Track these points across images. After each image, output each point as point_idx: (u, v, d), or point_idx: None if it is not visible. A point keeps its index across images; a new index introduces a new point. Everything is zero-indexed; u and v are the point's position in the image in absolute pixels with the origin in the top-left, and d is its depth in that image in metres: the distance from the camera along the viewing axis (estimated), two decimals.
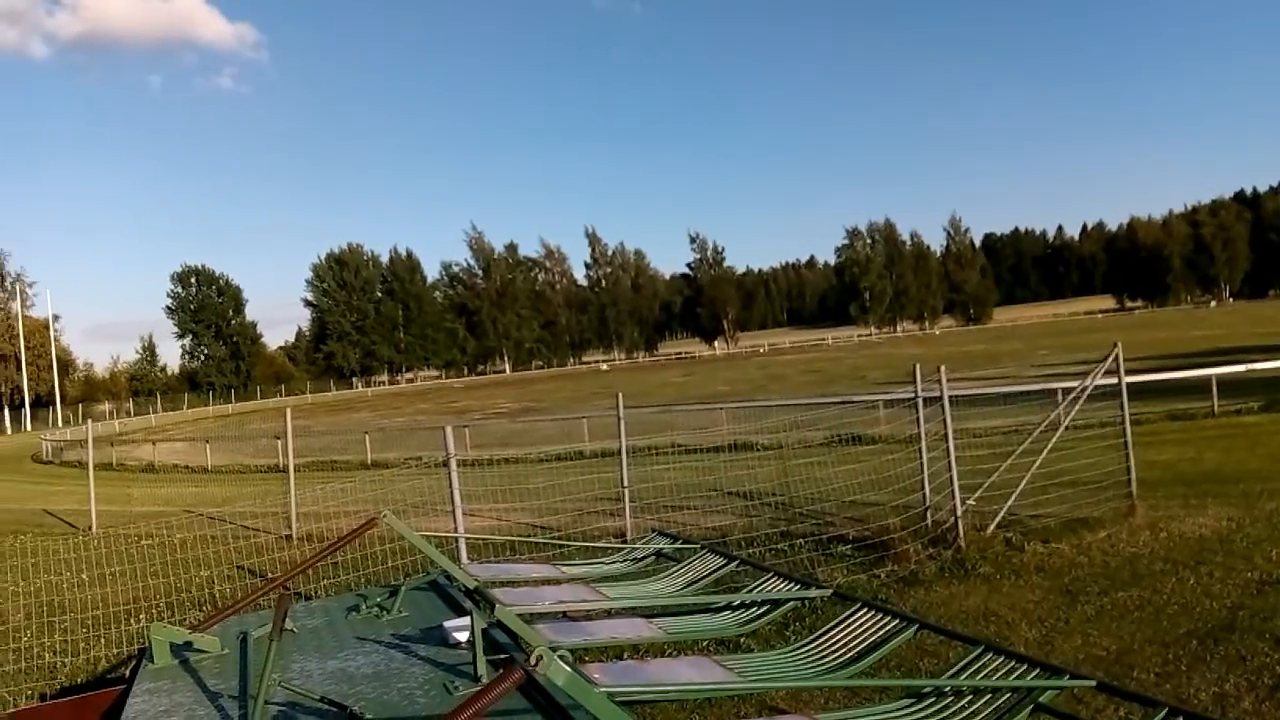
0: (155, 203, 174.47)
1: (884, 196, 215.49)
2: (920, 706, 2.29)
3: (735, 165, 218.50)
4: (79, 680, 5.64)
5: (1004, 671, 2.42)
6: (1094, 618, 5.70)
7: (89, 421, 19.92)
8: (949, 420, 7.83)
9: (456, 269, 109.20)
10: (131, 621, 6.77)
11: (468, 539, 6.90)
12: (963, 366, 26.92)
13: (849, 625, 2.88)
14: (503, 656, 2.41)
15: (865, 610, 2.90)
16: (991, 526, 7.52)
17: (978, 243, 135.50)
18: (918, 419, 7.90)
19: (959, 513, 7.42)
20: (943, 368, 7.87)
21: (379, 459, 18.95)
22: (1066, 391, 10.44)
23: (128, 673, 4.32)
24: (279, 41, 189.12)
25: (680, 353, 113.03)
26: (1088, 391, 8.37)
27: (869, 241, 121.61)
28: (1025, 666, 2.36)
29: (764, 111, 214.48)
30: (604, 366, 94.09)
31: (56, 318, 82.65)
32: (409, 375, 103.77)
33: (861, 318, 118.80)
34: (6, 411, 69.97)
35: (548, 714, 2.02)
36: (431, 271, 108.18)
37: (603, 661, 3.15)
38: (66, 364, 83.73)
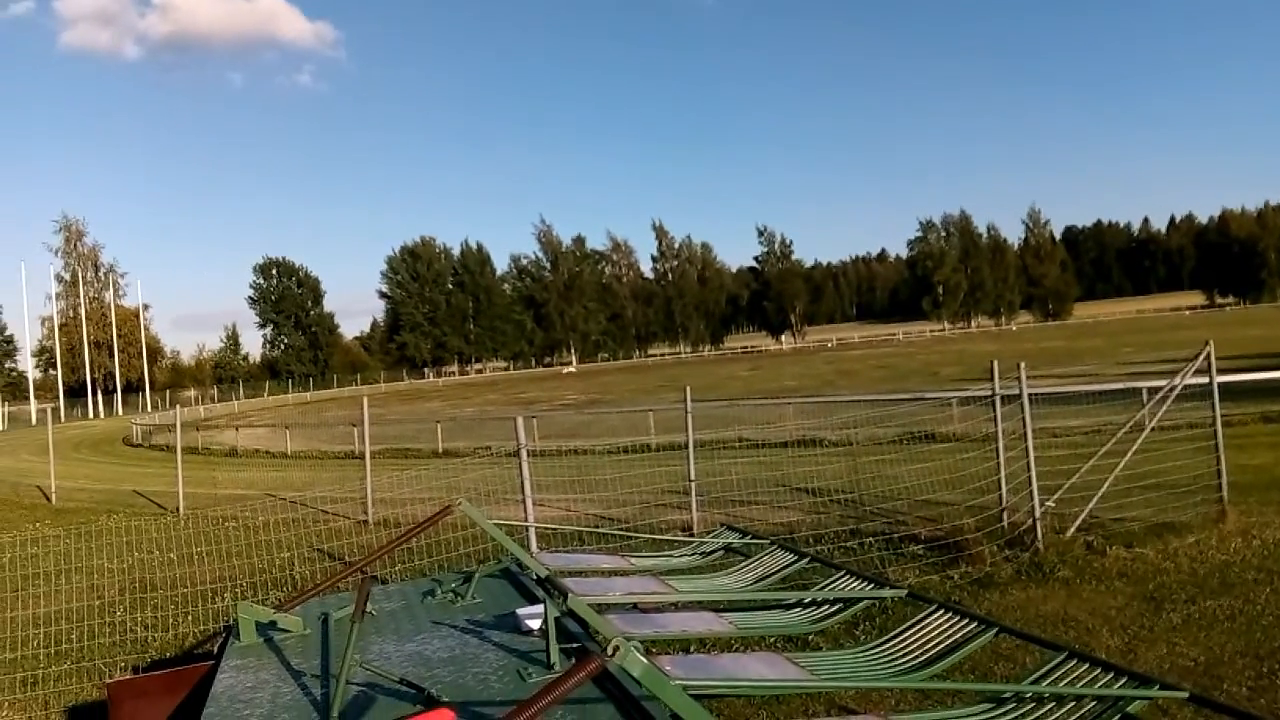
0: (239, 197, 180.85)
1: (959, 188, 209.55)
2: (999, 712, 2.23)
3: (805, 158, 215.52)
4: (168, 654, 5.91)
5: (1088, 679, 2.34)
6: (1180, 626, 5.47)
7: (177, 407, 20.82)
8: (1028, 419, 7.59)
9: (525, 262, 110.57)
10: (216, 600, 7.06)
11: (537, 529, 6.98)
12: (1041, 364, 26.06)
13: (923, 627, 2.82)
14: (574, 645, 2.43)
15: (941, 612, 2.84)
16: (1071, 529, 7.27)
17: (1058, 235, 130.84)
18: (995, 417, 7.68)
19: (1037, 514, 7.20)
20: (1022, 364, 7.64)
21: (450, 447, 19.31)
22: (1153, 391, 10.01)
23: (215, 649, 4.51)
24: (355, 39, 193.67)
25: (746, 346, 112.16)
26: (1176, 391, 8.01)
27: (943, 234, 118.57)
28: (1111, 675, 2.28)
29: (834, 103, 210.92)
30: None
31: (146, 307, 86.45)
32: (478, 366, 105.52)
33: (934, 312, 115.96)
34: (100, 396, 73.55)
35: (620, 704, 2.03)
36: (501, 264, 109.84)
37: (673, 654, 3.17)
38: (155, 352, 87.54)
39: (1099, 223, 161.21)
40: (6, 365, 72.39)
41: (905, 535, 7.56)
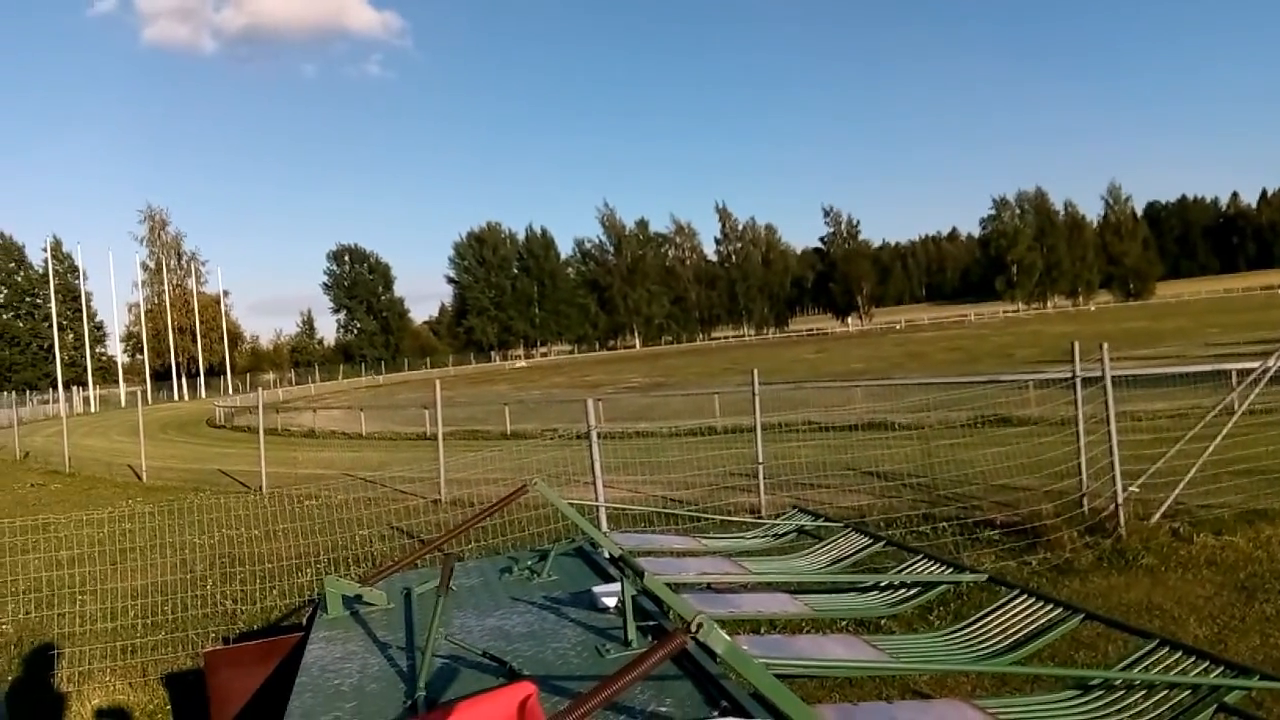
0: (312, 185, 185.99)
1: (1035, 164, 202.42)
2: (1085, 699, 2.18)
3: (872, 135, 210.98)
4: (255, 626, 6.16)
5: (1180, 668, 2.27)
6: (1274, 618, 5.25)
7: (259, 390, 21.58)
8: (1110, 402, 7.34)
9: (589, 245, 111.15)
10: (298, 575, 7.32)
11: (608, 509, 7.05)
12: (1122, 345, 25.12)
13: (1004, 612, 2.76)
14: (650, 624, 2.46)
15: (1023, 597, 2.78)
16: (1156, 516, 7.03)
17: (1139, 212, 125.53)
18: (1075, 400, 7.45)
19: (1120, 500, 6.98)
20: (1105, 346, 7.38)
21: (518, 429, 19.61)
22: (1243, 373, 9.59)
23: (299, 620, 4.67)
24: (422, 28, 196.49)
25: (812, 329, 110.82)
26: (1270, 373, 7.65)
27: (1018, 211, 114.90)
28: (1206, 664, 2.20)
29: (902, 77, 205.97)
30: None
31: (226, 293, 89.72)
32: (543, 349, 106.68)
33: (1008, 293, 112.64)
34: (184, 380, 76.68)
35: (698, 682, 2.04)
36: (565, 248, 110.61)
37: (747, 634, 3.17)
38: (235, 336, 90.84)
39: (1184, 198, 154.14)
40: (97, 350, 75.90)
41: (980, 520, 7.41)
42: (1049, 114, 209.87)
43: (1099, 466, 7.40)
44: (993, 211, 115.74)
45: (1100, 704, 2.09)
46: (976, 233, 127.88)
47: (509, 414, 21.12)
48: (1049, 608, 2.66)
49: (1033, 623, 2.65)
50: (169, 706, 5.11)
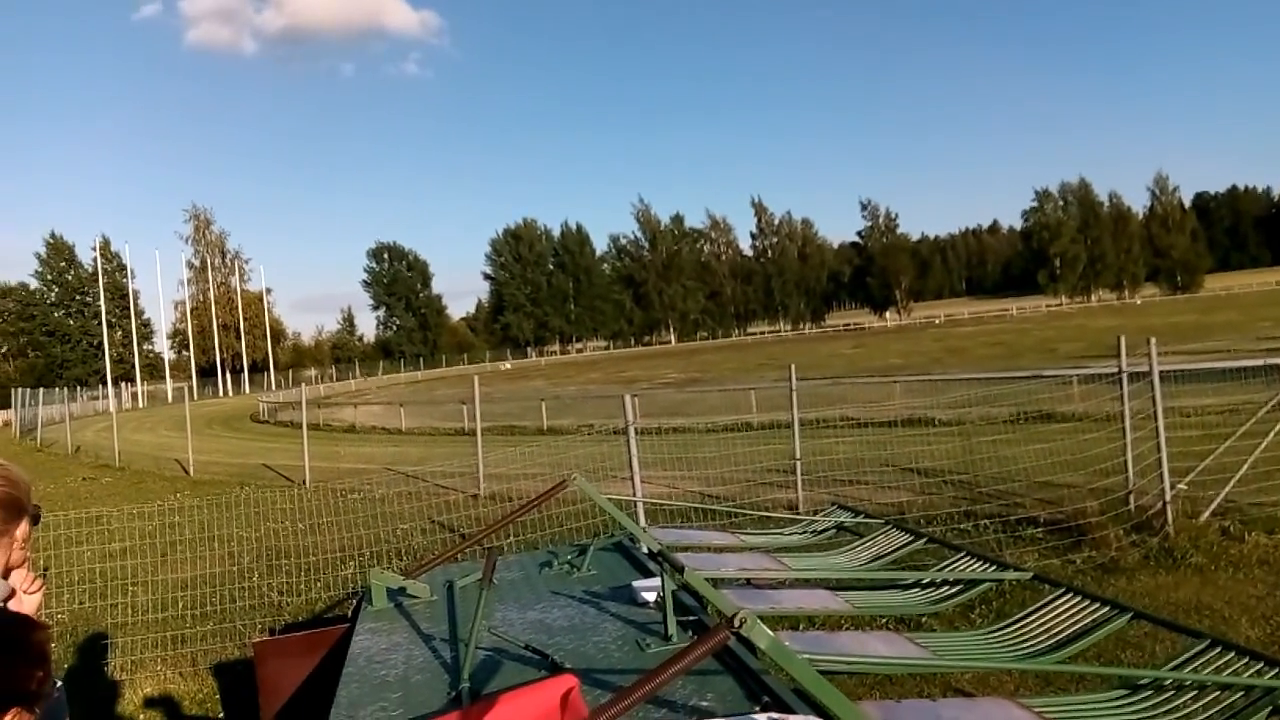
0: (352, 184, 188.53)
1: (1078, 155, 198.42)
2: (1133, 699, 2.15)
3: (911, 127, 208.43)
4: (300, 618, 6.28)
5: (1232, 669, 2.22)
6: None
7: (303, 386, 21.95)
8: (1158, 397, 7.18)
9: (624, 241, 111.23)
10: (342, 568, 7.45)
11: (645, 504, 7.07)
12: (1170, 339, 24.53)
13: (1049, 611, 2.73)
14: (691, 619, 2.46)
15: (1068, 596, 2.74)
16: (1205, 514, 6.87)
17: (1187, 203, 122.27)
18: (1121, 395, 7.30)
19: (1168, 497, 6.83)
20: (1152, 340, 7.23)
21: (554, 425, 19.72)
22: None
23: (343, 612, 4.75)
24: (459, 26, 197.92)
25: (849, 324, 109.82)
26: None
27: (1060, 203, 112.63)
28: (1260, 665, 2.15)
29: (940, 67, 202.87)
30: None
31: (269, 291, 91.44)
32: (578, 345, 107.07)
33: (1051, 286, 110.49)
34: (229, 376, 78.23)
35: (739, 677, 2.05)
36: (600, 244, 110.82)
37: (787, 630, 3.17)
38: (278, 333, 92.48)
39: (1234, 188, 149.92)
40: (145, 347, 77.73)
41: (1023, 518, 7.30)
42: (1093, 103, 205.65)
43: (1146, 463, 7.25)
44: (1035, 203, 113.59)
45: (1149, 704, 2.05)
46: (1018, 225, 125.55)
47: (545, 410, 21.24)
48: (1095, 606, 2.62)
49: (1078, 622, 2.61)
50: (218, 695, 5.24)
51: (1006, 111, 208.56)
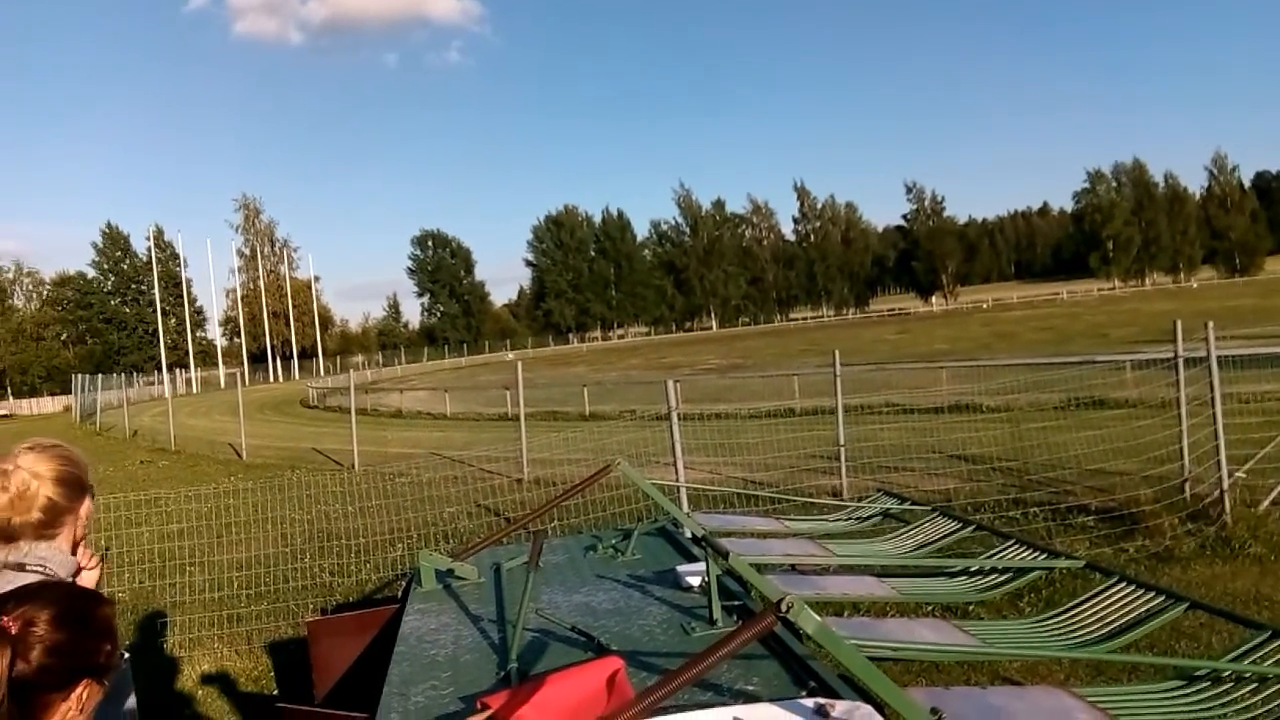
0: (396, 172, 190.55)
1: (1132, 135, 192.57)
2: (1190, 690, 2.10)
3: (957, 107, 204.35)
4: (350, 598, 6.42)
5: None
6: None
7: (351, 373, 22.34)
8: (1216, 383, 6.99)
9: (665, 227, 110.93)
10: (390, 550, 7.59)
11: (688, 489, 7.08)
12: (1228, 323, 23.79)
13: (1101, 600, 2.68)
14: (735, 603, 2.47)
15: (1122, 584, 2.69)
16: (1265, 503, 6.67)
17: (1247, 183, 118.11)
18: (1178, 381, 7.11)
19: (1225, 485, 6.65)
20: (1209, 324, 7.02)
21: (596, 410, 19.81)
22: None
23: (392, 593, 4.84)
24: (499, 14, 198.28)
25: (893, 309, 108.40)
26: None
27: (1114, 184, 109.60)
28: None
29: (986, 44, 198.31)
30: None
31: (317, 279, 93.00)
32: (620, 331, 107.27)
33: (1103, 270, 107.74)
34: (279, 362, 79.90)
35: (784, 662, 2.05)
36: (641, 230, 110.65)
37: (831, 616, 3.16)
38: (326, 320, 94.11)
39: None
40: (197, 334, 79.69)
41: (1073, 506, 7.16)
42: (1148, 81, 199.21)
43: (1202, 451, 7.07)
44: (1087, 185, 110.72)
45: (1206, 695, 2.01)
46: (1069, 207, 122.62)
47: (587, 395, 21.34)
48: (1150, 595, 2.57)
49: (1132, 611, 2.56)
50: (272, 673, 5.38)
51: (1057, 90, 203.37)
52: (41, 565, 1.84)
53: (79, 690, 1.26)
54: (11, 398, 70.41)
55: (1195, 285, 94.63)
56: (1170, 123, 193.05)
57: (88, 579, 1.99)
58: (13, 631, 1.19)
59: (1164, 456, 7.35)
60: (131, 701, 1.97)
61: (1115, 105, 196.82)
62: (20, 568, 1.80)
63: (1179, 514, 6.70)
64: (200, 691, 5.21)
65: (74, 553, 1.95)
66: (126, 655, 1.62)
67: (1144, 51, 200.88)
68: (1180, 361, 7.19)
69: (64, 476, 1.91)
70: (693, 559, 2.98)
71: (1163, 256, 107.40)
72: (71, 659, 1.25)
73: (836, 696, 1.76)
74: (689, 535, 3.30)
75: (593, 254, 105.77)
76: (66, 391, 53.34)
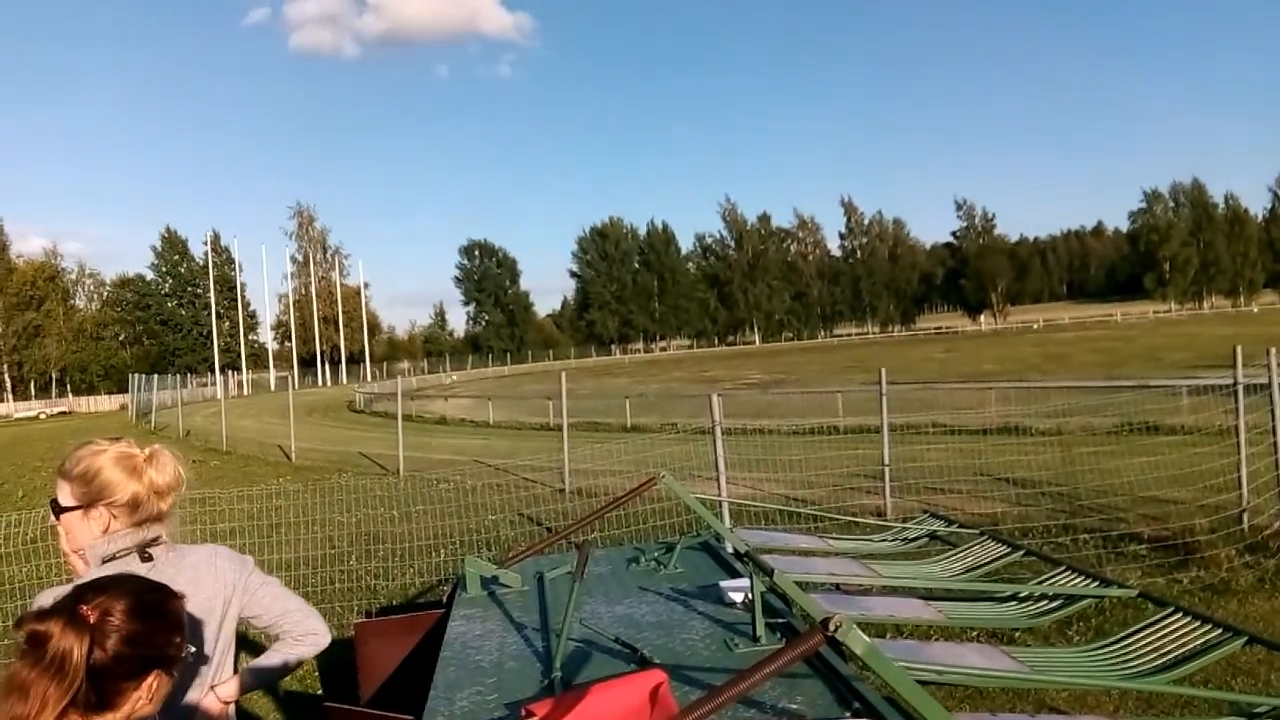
0: (446, 183, 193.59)
1: (1190, 154, 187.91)
2: None
3: (1010, 123, 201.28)
4: (394, 602, 6.50)
5: None
6: None
7: (399, 379, 22.68)
8: (1278, 410, 6.77)
9: (709, 240, 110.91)
10: (433, 555, 7.68)
11: (731, 505, 7.06)
12: None
13: (1154, 631, 2.62)
14: (779, 620, 2.46)
15: (1176, 616, 2.62)
16: None
17: None
18: (1237, 408, 6.91)
19: None
20: (1272, 350, 6.82)
21: (638, 423, 19.83)
22: None
23: (436, 597, 4.89)
24: (550, 28, 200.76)
25: (940, 327, 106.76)
26: None
27: (1171, 204, 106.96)
28: None
29: (1042, 57, 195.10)
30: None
31: (367, 285, 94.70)
32: (662, 343, 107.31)
33: (1159, 292, 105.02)
34: (328, 366, 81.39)
35: (829, 682, 2.04)
36: (686, 243, 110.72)
37: (875, 639, 3.13)
38: (374, 327, 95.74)
39: None
40: (250, 338, 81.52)
41: (1125, 534, 6.98)
42: (1208, 98, 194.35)
43: (1262, 481, 6.85)
44: (1143, 204, 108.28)
45: None
46: (1124, 227, 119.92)
47: (629, 407, 21.38)
48: (1206, 628, 2.50)
49: (1187, 643, 2.50)
50: (316, 673, 5.47)
51: (1114, 107, 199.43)
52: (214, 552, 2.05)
53: (149, 680, 1.31)
54: (71, 395, 72.78)
55: (1256, 310, 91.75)
56: (1232, 141, 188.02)
57: None
58: (91, 620, 1.25)
59: (1221, 485, 7.14)
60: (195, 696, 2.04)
61: (1174, 124, 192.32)
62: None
63: (1236, 545, 6.50)
64: None
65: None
66: (193, 650, 1.68)
67: (1204, 67, 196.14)
68: (1240, 388, 6.99)
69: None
70: (735, 574, 2.98)
71: (1222, 279, 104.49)
72: (145, 649, 1.30)
73: (881, 719, 1.75)
74: (732, 550, 3.30)
75: (636, 266, 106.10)
76: (123, 390, 54.93)
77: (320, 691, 5.16)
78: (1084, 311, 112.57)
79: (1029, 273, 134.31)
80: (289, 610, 2.36)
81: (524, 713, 1.88)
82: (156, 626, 1.32)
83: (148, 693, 1.32)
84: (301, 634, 2.37)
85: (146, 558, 1.90)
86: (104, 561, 1.84)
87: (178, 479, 2.04)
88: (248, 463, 18.44)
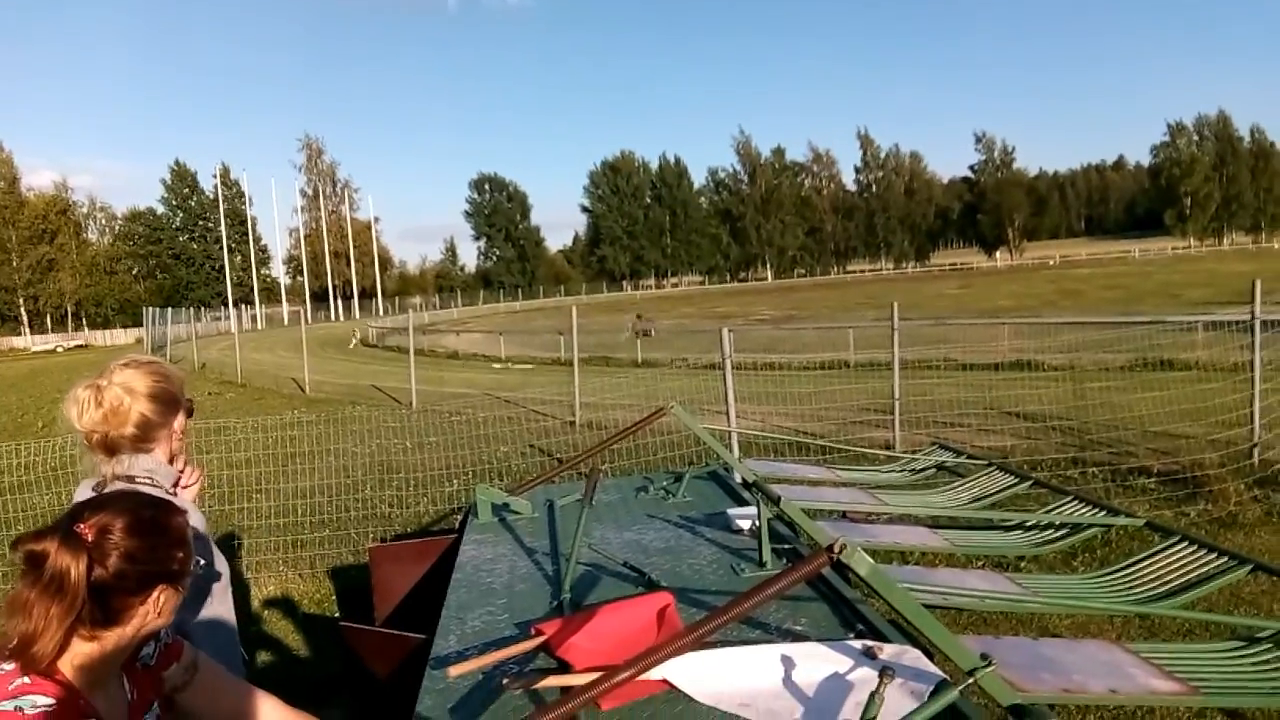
0: (456, 116, 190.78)
1: (1217, 86, 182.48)
2: (1251, 652, 2.07)
3: (1032, 55, 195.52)
4: (408, 529, 6.63)
5: None
6: None
7: (410, 313, 22.66)
8: None
9: (722, 175, 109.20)
10: (445, 485, 7.79)
11: (740, 437, 7.10)
12: None
13: (1159, 559, 2.64)
14: (785, 547, 2.49)
15: (1182, 545, 2.64)
16: None
17: None
18: (1253, 343, 6.85)
19: None
20: None
21: (648, 358, 19.86)
22: None
23: (449, 525, 4.96)
24: None
25: (956, 263, 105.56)
26: None
27: (1195, 138, 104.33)
28: None
29: None
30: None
31: (377, 220, 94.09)
32: (673, 279, 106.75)
33: (1178, 227, 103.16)
34: (339, 301, 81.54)
35: (833, 605, 2.07)
36: (698, 177, 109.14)
37: (882, 565, 3.16)
38: (385, 261, 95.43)
39: None
40: (262, 272, 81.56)
41: (1134, 467, 7.00)
42: (1234, 29, 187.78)
43: (1275, 415, 6.83)
44: (1166, 138, 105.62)
45: (1268, 657, 1.98)
46: (1146, 161, 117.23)
47: (640, 342, 21.38)
48: (1211, 556, 2.52)
49: (1191, 572, 2.52)
50: (334, 596, 5.61)
51: (1137, 38, 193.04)
52: (150, 476, 1.94)
53: (155, 594, 1.34)
54: (86, 329, 73.38)
55: (1277, 246, 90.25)
56: (1258, 75, 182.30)
57: (187, 493, 2.09)
58: (89, 539, 1.26)
59: (1233, 420, 7.13)
60: (221, 609, 2.07)
61: (1200, 56, 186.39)
62: (129, 479, 1.90)
63: (1246, 479, 6.51)
64: (266, 612, 5.46)
65: (171, 464, 2.05)
66: (202, 562, 1.70)
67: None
68: (1257, 323, 6.91)
69: (157, 393, 1.99)
70: (743, 503, 3.00)
71: (1243, 215, 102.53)
72: (147, 564, 1.31)
73: (885, 640, 1.78)
74: (740, 480, 3.33)
75: (648, 201, 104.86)
76: (138, 324, 55.30)
77: (337, 614, 5.30)
78: (1102, 247, 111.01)
79: (1047, 208, 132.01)
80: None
81: (533, 631, 1.92)
82: (157, 541, 1.34)
83: (155, 607, 1.34)
84: None
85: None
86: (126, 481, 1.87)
87: (114, 412, 1.94)
88: (262, 395, 18.62)
